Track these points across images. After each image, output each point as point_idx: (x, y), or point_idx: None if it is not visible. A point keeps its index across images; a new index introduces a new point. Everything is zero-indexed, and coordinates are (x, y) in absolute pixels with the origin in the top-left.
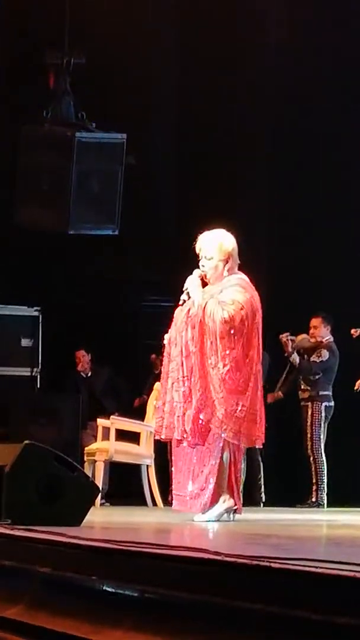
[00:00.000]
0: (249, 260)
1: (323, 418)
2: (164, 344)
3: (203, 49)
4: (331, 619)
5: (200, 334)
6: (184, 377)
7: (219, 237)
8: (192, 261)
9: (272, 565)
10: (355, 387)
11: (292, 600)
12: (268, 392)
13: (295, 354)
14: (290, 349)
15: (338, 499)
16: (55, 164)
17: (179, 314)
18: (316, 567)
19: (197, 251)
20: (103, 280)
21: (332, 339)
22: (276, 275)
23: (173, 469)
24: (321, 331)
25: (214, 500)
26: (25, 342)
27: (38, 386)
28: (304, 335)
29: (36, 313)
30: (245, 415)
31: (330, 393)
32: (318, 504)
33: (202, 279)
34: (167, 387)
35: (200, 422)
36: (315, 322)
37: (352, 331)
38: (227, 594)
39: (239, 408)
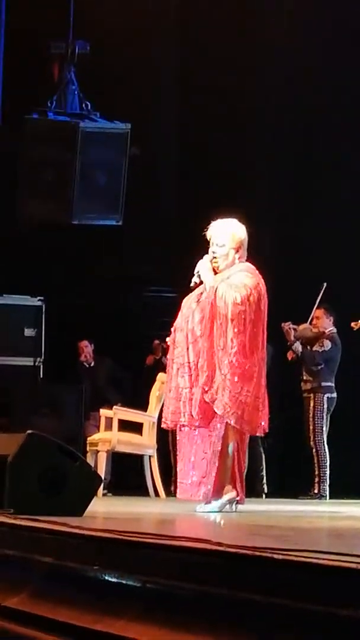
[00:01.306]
0: (251, 251)
1: (325, 410)
2: (171, 332)
3: (207, 39)
4: (334, 610)
5: (211, 316)
6: (189, 362)
7: (232, 225)
8: (194, 251)
9: (275, 556)
10: (354, 326)
11: (294, 591)
12: (269, 384)
13: (297, 342)
14: (292, 338)
15: (340, 491)
16: (59, 154)
17: (186, 301)
18: (318, 559)
19: (208, 238)
20: (106, 270)
21: (335, 330)
22: (279, 266)
23: (178, 456)
24: (324, 322)
25: (218, 489)
26: (28, 332)
27: (41, 376)
28: (306, 325)
29: (39, 303)
30: (250, 400)
31: (332, 384)
32: (320, 496)
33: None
34: (172, 373)
35: (205, 403)
36: (317, 313)
37: (352, 324)
38: (229, 585)
39: (244, 393)
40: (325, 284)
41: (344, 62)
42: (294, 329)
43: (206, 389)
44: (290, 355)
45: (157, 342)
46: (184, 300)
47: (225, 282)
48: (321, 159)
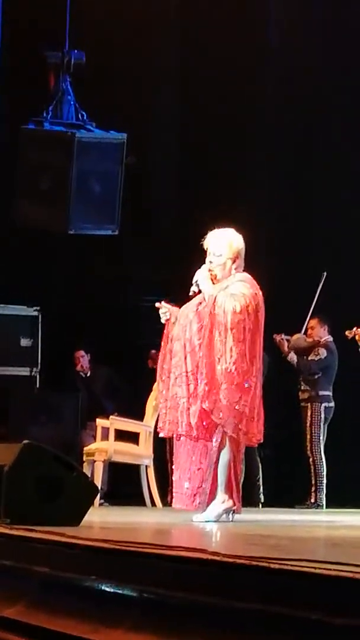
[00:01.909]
0: (248, 261)
1: (322, 419)
2: (162, 342)
3: (204, 48)
4: (330, 619)
5: (210, 326)
6: (187, 372)
7: (229, 235)
8: (191, 261)
9: (271, 565)
10: (349, 334)
11: (290, 600)
12: (267, 393)
13: (292, 353)
14: (286, 349)
15: (337, 500)
16: (55, 163)
17: (184, 310)
18: (315, 568)
19: (205, 248)
20: (102, 280)
21: (330, 339)
22: (276, 276)
23: (173, 466)
24: (318, 331)
25: (212, 499)
26: (24, 342)
27: (37, 386)
28: (299, 335)
29: (35, 313)
30: (246, 410)
31: (330, 393)
32: (317, 505)
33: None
34: (170, 383)
35: (205, 415)
36: (312, 322)
37: (347, 332)
38: (225, 595)
39: (242, 403)
40: (325, 273)
41: (344, 62)
42: (287, 340)
43: (204, 398)
44: (278, 337)
45: (153, 351)
46: (181, 309)
47: (224, 292)
48: (322, 166)
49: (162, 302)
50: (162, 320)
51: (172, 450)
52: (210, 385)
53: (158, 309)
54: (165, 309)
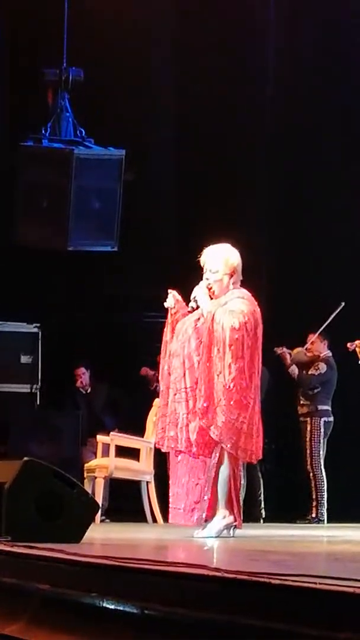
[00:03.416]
0: (247, 276)
1: (322, 434)
2: (158, 361)
3: (202, 64)
4: (332, 635)
5: (209, 342)
6: (186, 388)
7: (225, 251)
8: (191, 276)
9: (272, 581)
10: (350, 347)
11: (292, 616)
12: (266, 408)
13: (294, 366)
14: (289, 362)
15: (338, 515)
16: (54, 180)
17: (182, 326)
18: (316, 583)
19: (202, 264)
20: (102, 296)
21: (330, 354)
22: (275, 292)
23: (170, 481)
24: (318, 346)
25: (210, 515)
26: (24, 359)
27: (38, 403)
28: (300, 349)
29: (36, 330)
30: (245, 427)
31: (329, 408)
32: (318, 520)
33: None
34: (169, 399)
35: (205, 432)
36: (312, 337)
37: (348, 344)
38: (227, 611)
39: (240, 419)
40: (343, 304)
41: (344, 68)
42: (289, 353)
43: (203, 414)
44: (279, 350)
45: (151, 373)
46: (179, 325)
47: (222, 308)
48: (321, 178)
49: (174, 292)
50: (165, 305)
51: (170, 462)
52: (209, 402)
53: (158, 325)
54: (172, 296)
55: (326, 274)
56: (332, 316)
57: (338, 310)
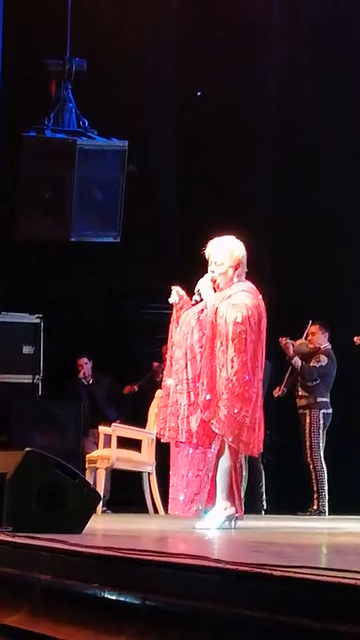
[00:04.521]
0: (250, 268)
1: (321, 425)
2: (164, 351)
3: (204, 56)
4: (333, 626)
5: (212, 335)
6: (187, 379)
7: (229, 243)
8: (193, 268)
9: (274, 573)
10: (357, 340)
11: (293, 608)
12: (270, 400)
13: (297, 357)
14: (291, 352)
15: (340, 507)
16: (56, 171)
17: (185, 317)
18: (318, 575)
19: (207, 257)
20: (104, 287)
21: (329, 346)
22: (277, 284)
23: (171, 471)
24: (319, 338)
25: (210, 504)
26: (26, 350)
27: (39, 394)
28: (302, 340)
29: (37, 320)
30: (247, 421)
31: (328, 400)
32: (319, 512)
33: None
34: (171, 389)
35: (205, 423)
36: (313, 329)
37: (355, 338)
38: (228, 602)
39: (242, 413)
40: (311, 321)
41: (342, 79)
42: (292, 344)
43: (205, 407)
44: (276, 393)
45: (156, 364)
46: (182, 317)
47: (226, 302)
48: (321, 171)
49: (178, 287)
50: (169, 301)
51: (170, 453)
52: (211, 395)
53: (160, 317)
54: (175, 292)
55: (326, 267)
56: (304, 336)
57: (307, 329)
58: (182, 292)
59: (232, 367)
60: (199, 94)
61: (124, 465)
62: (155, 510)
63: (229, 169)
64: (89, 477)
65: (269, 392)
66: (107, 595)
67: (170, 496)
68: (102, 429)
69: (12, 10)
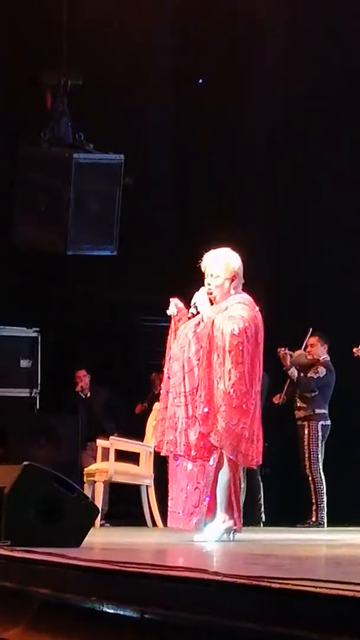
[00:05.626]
0: (248, 280)
1: (320, 437)
2: (163, 363)
3: (201, 68)
4: (331, 638)
5: (209, 348)
6: (185, 392)
7: (225, 255)
8: (191, 281)
9: (272, 585)
10: (356, 352)
11: (291, 620)
12: (268, 411)
13: (293, 368)
14: (288, 363)
15: (338, 518)
16: (53, 184)
17: (182, 330)
18: (316, 587)
19: (203, 269)
20: (102, 300)
21: (328, 358)
22: (275, 295)
23: (169, 484)
24: (318, 349)
25: (210, 516)
26: (24, 363)
27: (37, 407)
28: (300, 351)
29: (35, 334)
30: (245, 432)
31: (326, 411)
32: (318, 524)
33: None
34: (169, 402)
35: (204, 436)
36: (312, 340)
37: (355, 349)
38: (226, 614)
39: (240, 425)
40: (310, 330)
41: (344, 78)
42: (290, 355)
43: (203, 420)
44: (277, 400)
45: (154, 375)
46: (180, 329)
47: (222, 314)
48: (320, 182)
49: (176, 299)
50: (168, 312)
51: (169, 466)
52: (209, 408)
53: (157, 329)
54: (174, 304)
55: (326, 278)
56: (304, 345)
57: (307, 337)
58: (181, 304)
59: (229, 379)
60: (200, 81)
61: (122, 478)
62: (154, 523)
63: (226, 181)
64: (87, 491)
65: (266, 404)
66: (105, 609)
67: (169, 509)
68: (100, 442)
69: (9, 22)
